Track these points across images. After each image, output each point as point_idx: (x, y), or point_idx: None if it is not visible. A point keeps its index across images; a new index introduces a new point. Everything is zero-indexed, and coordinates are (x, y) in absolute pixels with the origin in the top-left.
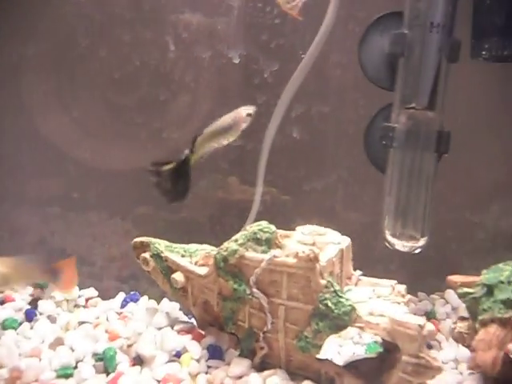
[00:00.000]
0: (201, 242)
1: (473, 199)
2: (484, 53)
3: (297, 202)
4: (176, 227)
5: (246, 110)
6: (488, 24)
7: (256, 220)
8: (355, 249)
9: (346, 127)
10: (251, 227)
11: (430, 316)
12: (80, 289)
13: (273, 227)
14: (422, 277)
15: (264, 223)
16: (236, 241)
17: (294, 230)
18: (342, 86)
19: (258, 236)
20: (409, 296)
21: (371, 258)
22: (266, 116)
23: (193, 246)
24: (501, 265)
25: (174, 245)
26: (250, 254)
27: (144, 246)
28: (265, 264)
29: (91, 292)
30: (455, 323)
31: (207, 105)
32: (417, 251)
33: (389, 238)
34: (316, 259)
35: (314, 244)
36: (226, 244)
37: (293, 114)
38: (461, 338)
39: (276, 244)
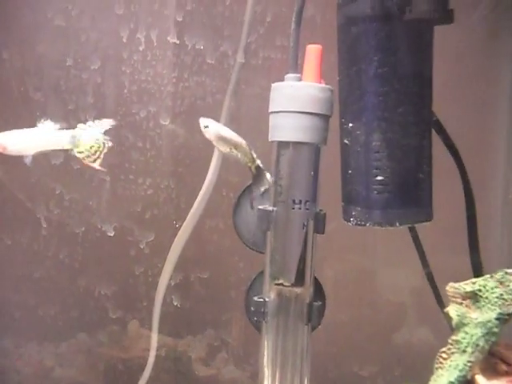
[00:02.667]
0: None
1: (361, 352)
2: (352, 219)
3: None
4: None
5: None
6: (353, 193)
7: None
8: None
9: (227, 291)
10: None
11: None
12: None
13: None
14: None
15: None
16: None
17: None
18: (220, 251)
19: None
20: None
21: None
22: (145, 286)
23: None
24: None
25: None
26: None
27: None
28: None
29: None
30: None
31: (84, 279)
32: None
33: None
34: None
35: None
36: None
37: (172, 282)
38: None
39: None
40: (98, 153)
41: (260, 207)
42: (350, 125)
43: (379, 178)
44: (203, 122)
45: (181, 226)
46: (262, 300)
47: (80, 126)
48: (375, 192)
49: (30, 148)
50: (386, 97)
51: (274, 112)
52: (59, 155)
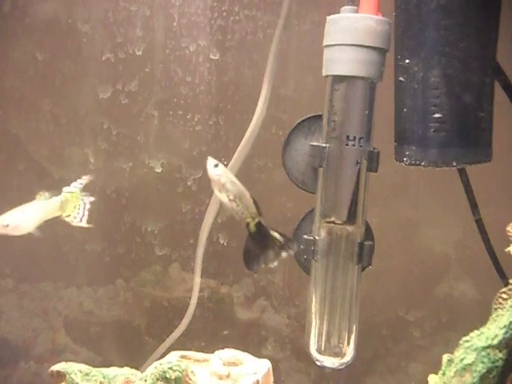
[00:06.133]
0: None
1: (406, 298)
2: (405, 159)
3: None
4: (109, 330)
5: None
6: (407, 132)
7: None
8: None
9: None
10: (161, 365)
11: None
12: None
13: (183, 364)
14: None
15: (174, 360)
16: (145, 381)
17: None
18: (268, 190)
19: (168, 375)
20: None
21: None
22: (192, 223)
23: (112, 371)
24: None
25: (93, 370)
26: None
27: (61, 376)
28: None
29: None
30: None
31: (131, 215)
32: (344, 367)
33: (314, 354)
34: None
35: (228, 376)
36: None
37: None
38: None
39: (186, 382)
40: (81, 211)
41: (312, 143)
42: (407, 61)
43: (437, 115)
44: (212, 161)
45: (229, 163)
46: (312, 238)
47: (65, 189)
48: (432, 130)
49: (34, 224)
50: (447, 30)
51: (329, 45)
52: (107, 90)
